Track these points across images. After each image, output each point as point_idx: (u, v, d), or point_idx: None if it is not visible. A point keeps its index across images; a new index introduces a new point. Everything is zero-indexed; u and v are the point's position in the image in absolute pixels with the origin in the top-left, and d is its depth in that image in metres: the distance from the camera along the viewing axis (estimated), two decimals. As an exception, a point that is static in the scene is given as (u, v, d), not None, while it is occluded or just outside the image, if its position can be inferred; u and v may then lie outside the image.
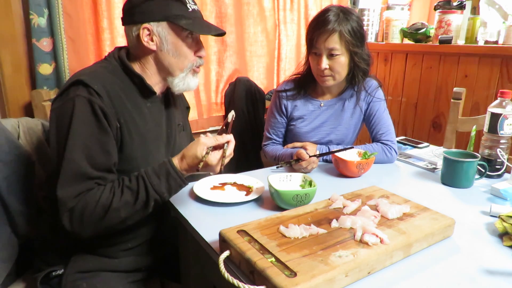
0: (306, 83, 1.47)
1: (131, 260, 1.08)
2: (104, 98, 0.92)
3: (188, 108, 1.35)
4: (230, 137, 0.96)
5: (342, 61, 1.32)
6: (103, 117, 0.92)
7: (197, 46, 1.06)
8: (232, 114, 1.06)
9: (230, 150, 0.94)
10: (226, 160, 0.94)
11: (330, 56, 1.31)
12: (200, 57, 1.07)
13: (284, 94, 1.47)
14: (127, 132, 0.98)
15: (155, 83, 1.07)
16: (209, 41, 1.99)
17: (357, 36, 1.32)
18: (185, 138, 1.24)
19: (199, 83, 1.99)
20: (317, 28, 1.31)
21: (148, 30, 0.98)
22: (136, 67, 1.04)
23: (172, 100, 1.17)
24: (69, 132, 0.89)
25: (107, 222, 0.91)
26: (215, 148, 0.94)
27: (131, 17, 1.00)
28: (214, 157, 0.91)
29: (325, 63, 1.31)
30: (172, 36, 1.00)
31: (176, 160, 0.93)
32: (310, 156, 1.23)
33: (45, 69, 1.51)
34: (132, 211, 0.92)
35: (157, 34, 0.99)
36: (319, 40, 1.30)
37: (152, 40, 1.00)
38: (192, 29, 0.99)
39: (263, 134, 1.58)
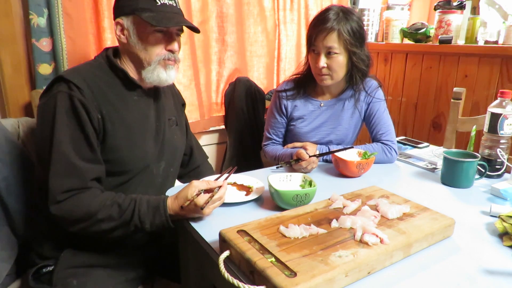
0: (306, 83, 1.47)
1: (122, 257, 1.08)
2: (84, 90, 0.96)
3: (183, 105, 1.35)
4: (222, 183, 0.96)
5: (340, 61, 1.33)
6: (83, 110, 0.95)
7: (167, 40, 1.05)
8: (234, 168, 1.10)
9: (219, 194, 0.93)
10: (216, 203, 0.94)
11: (328, 54, 1.31)
12: (171, 51, 1.06)
13: (284, 94, 1.47)
14: (110, 123, 1.00)
15: (136, 77, 1.08)
16: (210, 41, 1.99)
17: (356, 36, 1.32)
18: (178, 132, 1.23)
19: (201, 83, 1.99)
20: (317, 26, 1.31)
21: (120, 24, 1.03)
22: (119, 63, 1.07)
23: (163, 95, 1.18)
24: (54, 127, 0.94)
25: (88, 229, 0.95)
26: (208, 191, 0.94)
27: (114, 16, 1.06)
28: (202, 199, 0.91)
29: (323, 61, 1.31)
30: (138, 30, 1.02)
31: (170, 199, 0.95)
32: (310, 156, 1.23)
33: (45, 69, 1.51)
34: (113, 226, 0.95)
35: (126, 27, 1.03)
36: (318, 38, 1.30)
37: (123, 34, 1.04)
38: (151, 21, 0.98)
39: (263, 134, 1.58)
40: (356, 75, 1.39)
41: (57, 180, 0.92)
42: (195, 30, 1.09)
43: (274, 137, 1.53)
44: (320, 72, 1.35)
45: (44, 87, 1.00)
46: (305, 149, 1.31)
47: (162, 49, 1.04)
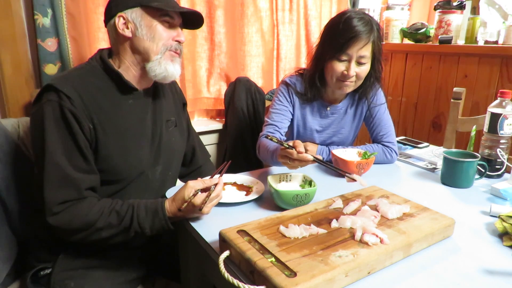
0: (315, 89, 1.41)
1: (120, 257, 1.08)
2: (74, 99, 0.94)
3: (185, 104, 1.32)
4: (218, 180, 0.96)
5: (367, 68, 1.31)
6: (74, 120, 0.93)
7: (174, 31, 1.05)
8: (228, 163, 1.09)
9: (216, 192, 0.93)
10: (214, 201, 0.94)
11: (358, 63, 1.28)
12: (178, 41, 1.06)
13: (293, 90, 1.42)
14: (102, 132, 0.98)
15: (135, 76, 1.06)
16: (199, 39, 1.98)
17: (380, 42, 1.32)
18: (177, 134, 1.21)
19: (186, 79, 1.98)
20: (352, 36, 1.24)
21: (123, 18, 1.01)
22: (115, 63, 1.05)
23: (162, 95, 1.16)
24: (45, 137, 0.92)
25: (88, 238, 0.95)
26: (204, 190, 0.94)
27: (109, 13, 1.03)
28: (199, 198, 0.91)
29: (353, 70, 1.28)
30: (146, 20, 1.01)
31: (168, 202, 0.95)
32: (313, 158, 1.16)
33: (51, 69, 1.51)
34: (113, 233, 0.95)
35: (131, 20, 1.01)
36: (353, 48, 1.25)
37: (127, 28, 1.01)
38: (163, 7, 0.99)
39: (263, 126, 1.46)
40: (372, 81, 1.37)
41: (52, 192, 0.91)
42: (197, 25, 1.10)
43: (276, 124, 1.39)
44: (347, 80, 1.30)
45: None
46: (306, 149, 1.29)
47: (169, 39, 1.04)
